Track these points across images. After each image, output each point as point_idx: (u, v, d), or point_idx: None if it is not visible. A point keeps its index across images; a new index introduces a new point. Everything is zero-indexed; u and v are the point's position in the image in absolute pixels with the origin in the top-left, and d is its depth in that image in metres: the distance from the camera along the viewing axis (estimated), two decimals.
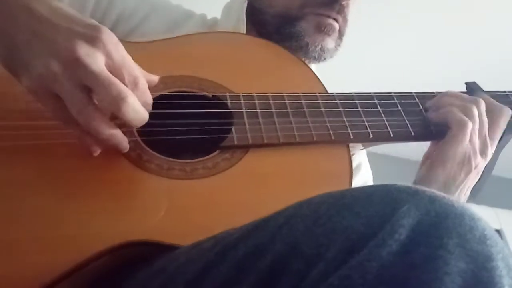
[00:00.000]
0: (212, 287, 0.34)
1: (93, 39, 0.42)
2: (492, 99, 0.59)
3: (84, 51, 0.41)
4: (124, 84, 0.42)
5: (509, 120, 0.59)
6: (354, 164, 0.71)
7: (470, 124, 0.55)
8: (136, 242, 0.43)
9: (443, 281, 0.28)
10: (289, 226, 0.33)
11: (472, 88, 0.61)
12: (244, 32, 0.67)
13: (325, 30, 0.64)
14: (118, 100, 0.41)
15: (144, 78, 0.45)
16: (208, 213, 0.46)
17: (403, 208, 0.30)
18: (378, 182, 0.37)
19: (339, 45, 0.68)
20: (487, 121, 0.57)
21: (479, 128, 0.56)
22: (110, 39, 0.43)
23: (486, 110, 0.57)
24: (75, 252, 0.41)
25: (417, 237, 0.29)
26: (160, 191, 0.46)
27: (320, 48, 0.64)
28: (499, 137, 0.57)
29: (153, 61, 0.58)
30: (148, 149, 0.49)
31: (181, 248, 0.42)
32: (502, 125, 0.58)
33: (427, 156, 0.58)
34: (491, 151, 0.56)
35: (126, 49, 0.59)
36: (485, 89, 0.62)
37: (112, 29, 0.64)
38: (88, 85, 0.41)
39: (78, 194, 0.44)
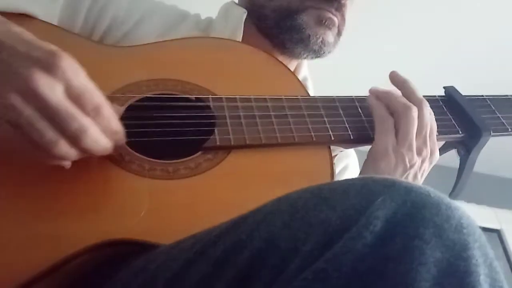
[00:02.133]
0: (191, 284, 0.34)
1: (51, 67, 0.40)
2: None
3: (42, 81, 0.39)
4: (86, 112, 0.41)
5: (474, 138, 0.58)
6: (341, 166, 0.71)
7: (390, 120, 0.54)
8: (116, 241, 0.42)
9: (418, 272, 0.28)
10: (267, 222, 0.33)
11: (449, 92, 0.62)
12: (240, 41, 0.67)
13: (326, 23, 0.64)
14: (78, 133, 0.40)
15: (107, 105, 0.43)
16: (189, 212, 0.46)
17: (379, 200, 0.30)
18: None
19: (337, 42, 0.68)
20: (427, 122, 0.55)
21: (409, 127, 0.53)
22: (69, 65, 0.41)
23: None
24: (53, 250, 0.40)
25: (393, 228, 0.29)
26: (141, 190, 0.46)
27: (321, 41, 0.65)
28: (427, 132, 0.54)
29: (136, 65, 0.58)
30: (130, 150, 0.49)
31: (161, 248, 0.41)
32: (427, 119, 0.55)
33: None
34: (426, 151, 0.54)
35: (110, 53, 0.59)
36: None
37: (106, 34, 0.65)
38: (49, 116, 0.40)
39: (59, 193, 0.44)
